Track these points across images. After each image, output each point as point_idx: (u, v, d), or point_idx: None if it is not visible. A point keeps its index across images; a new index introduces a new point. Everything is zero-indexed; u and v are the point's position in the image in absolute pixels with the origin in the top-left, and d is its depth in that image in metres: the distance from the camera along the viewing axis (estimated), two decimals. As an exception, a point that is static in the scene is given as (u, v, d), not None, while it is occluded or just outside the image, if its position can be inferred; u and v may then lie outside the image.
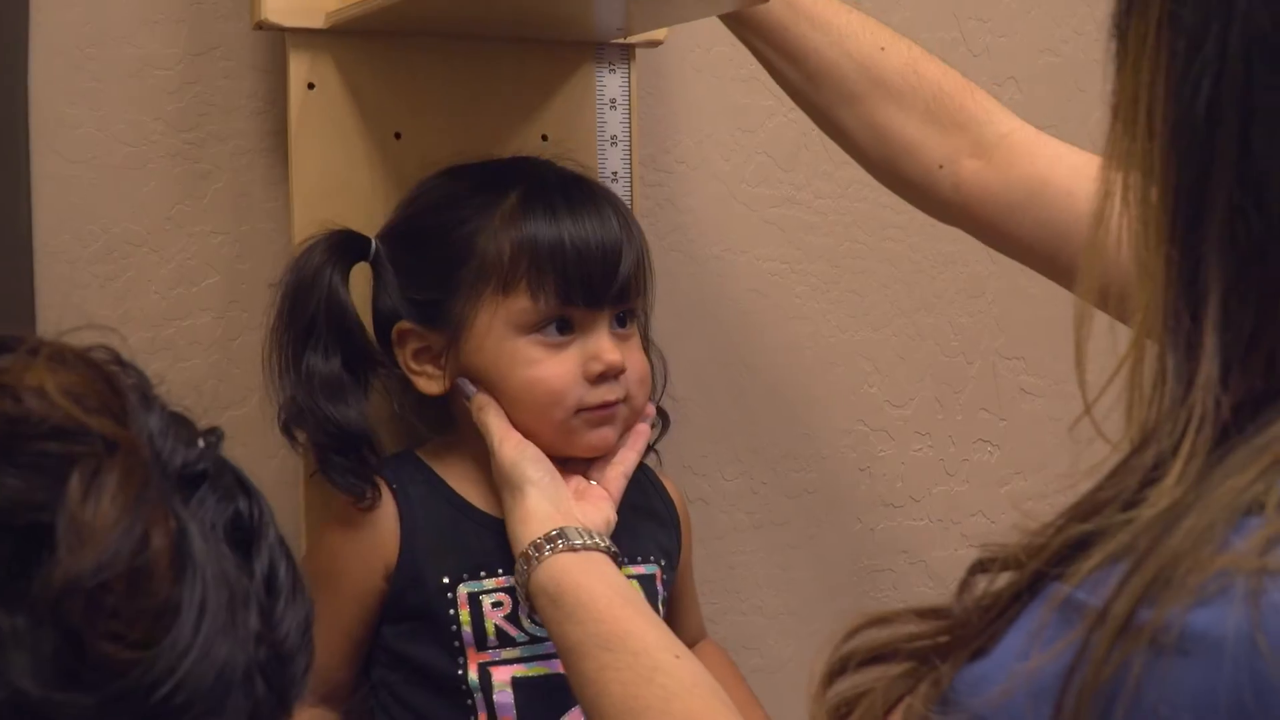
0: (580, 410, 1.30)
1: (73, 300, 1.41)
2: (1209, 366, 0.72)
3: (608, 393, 1.30)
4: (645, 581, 1.35)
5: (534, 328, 1.29)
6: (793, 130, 1.66)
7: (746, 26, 1.35)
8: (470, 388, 1.32)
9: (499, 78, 1.44)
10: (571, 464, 1.32)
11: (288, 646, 0.73)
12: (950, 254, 1.78)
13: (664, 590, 1.37)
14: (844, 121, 1.35)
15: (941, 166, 1.31)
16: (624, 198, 1.49)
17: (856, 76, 1.32)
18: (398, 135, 1.41)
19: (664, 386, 1.47)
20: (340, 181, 1.38)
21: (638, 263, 1.33)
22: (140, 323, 1.43)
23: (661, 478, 1.46)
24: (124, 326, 1.42)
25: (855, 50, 1.32)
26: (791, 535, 1.73)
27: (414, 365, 1.34)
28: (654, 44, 1.50)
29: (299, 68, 1.37)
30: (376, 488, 1.32)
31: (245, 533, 0.73)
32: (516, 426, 1.30)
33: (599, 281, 1.29)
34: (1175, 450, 0.71)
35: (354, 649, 1.34)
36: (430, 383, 1.33)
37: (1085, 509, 0.74)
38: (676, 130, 1.54)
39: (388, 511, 1.32)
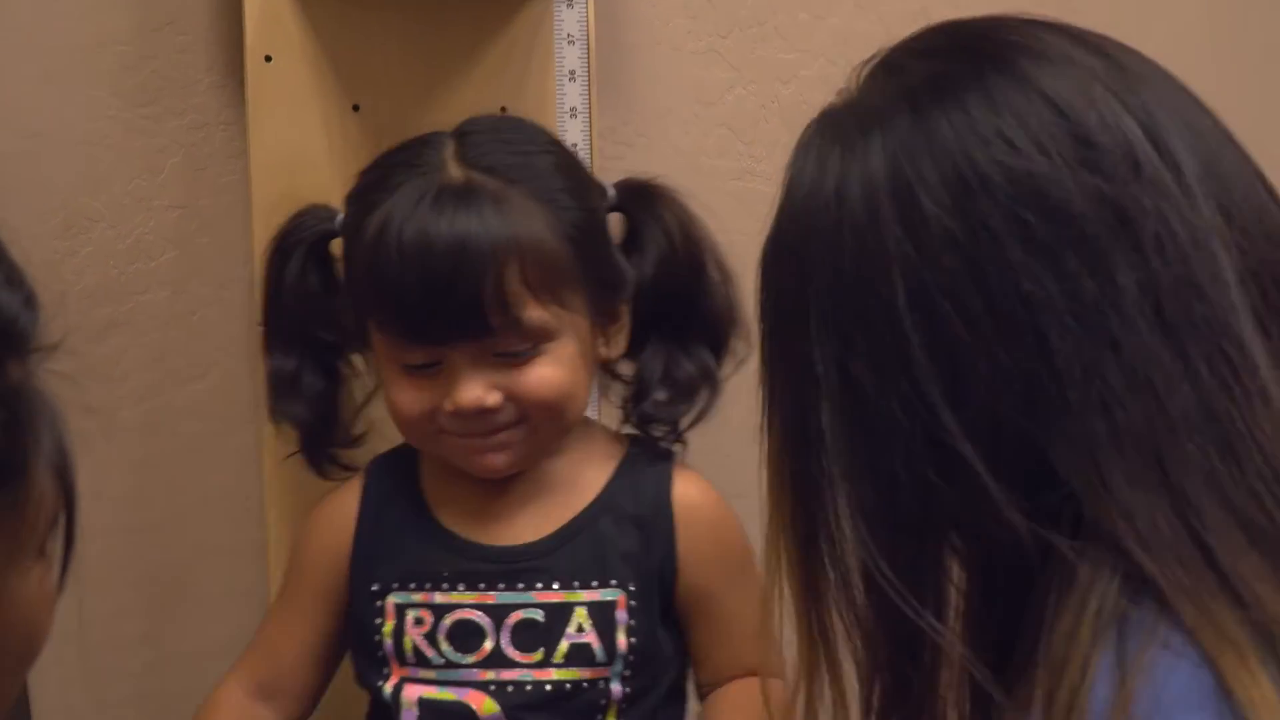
0: (444, 432, 1.24)
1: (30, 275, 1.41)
2: None
3: (475, 426, 1.23)
4: (598, 610, 1.25)
5: (395, 353, 1.24)
6: (752, 102, 1.66)
7: None
8: None
9: (457, 49, 1.44)
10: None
11: None
12: (912, 226, 1.78)
13: (631, 618, 1.25)
14: None
15: None
16: (584, 170, 1.49)
17: None
18: (356, 107, 1.41)
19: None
20: (298, 155, 1.39)
21: (502, 292, 1.19)
22: (100, 298, 1.44)
23: (677, 480, 1.30)
24: (83, 302, 1.42)
25: None
26: (753, 507, 1.72)
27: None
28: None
29: (256, 39, 1.36)
30: (347, 470, 1.32)
31: None
32: None
33: (441, 322, 1.20)
34: None
35: (317, 642, 1.30)
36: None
37: None
38: (636, 103, 1.54)
39: (350, 507, 1.30)
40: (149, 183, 1.44)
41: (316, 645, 1.31)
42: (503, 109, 1.44)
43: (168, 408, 1.48)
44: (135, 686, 1.54)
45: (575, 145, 1.48)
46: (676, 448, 1.33)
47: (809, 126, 0.85)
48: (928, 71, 0.81)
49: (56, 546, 0.77)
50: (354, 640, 1.29)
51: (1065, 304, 0.74)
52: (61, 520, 0.76)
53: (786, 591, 0.85)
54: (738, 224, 1.68)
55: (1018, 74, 0.78)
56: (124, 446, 1.47)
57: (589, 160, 1.50)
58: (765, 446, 0.85)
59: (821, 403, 0.80)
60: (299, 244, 1.29)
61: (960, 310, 0.76)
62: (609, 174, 1.59)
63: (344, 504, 1.31)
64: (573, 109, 1.48)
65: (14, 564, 0.73)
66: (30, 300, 0.74)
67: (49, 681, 1.49)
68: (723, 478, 1.30)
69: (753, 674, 1.31)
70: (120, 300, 1.44)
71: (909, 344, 0.77)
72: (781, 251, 0.84)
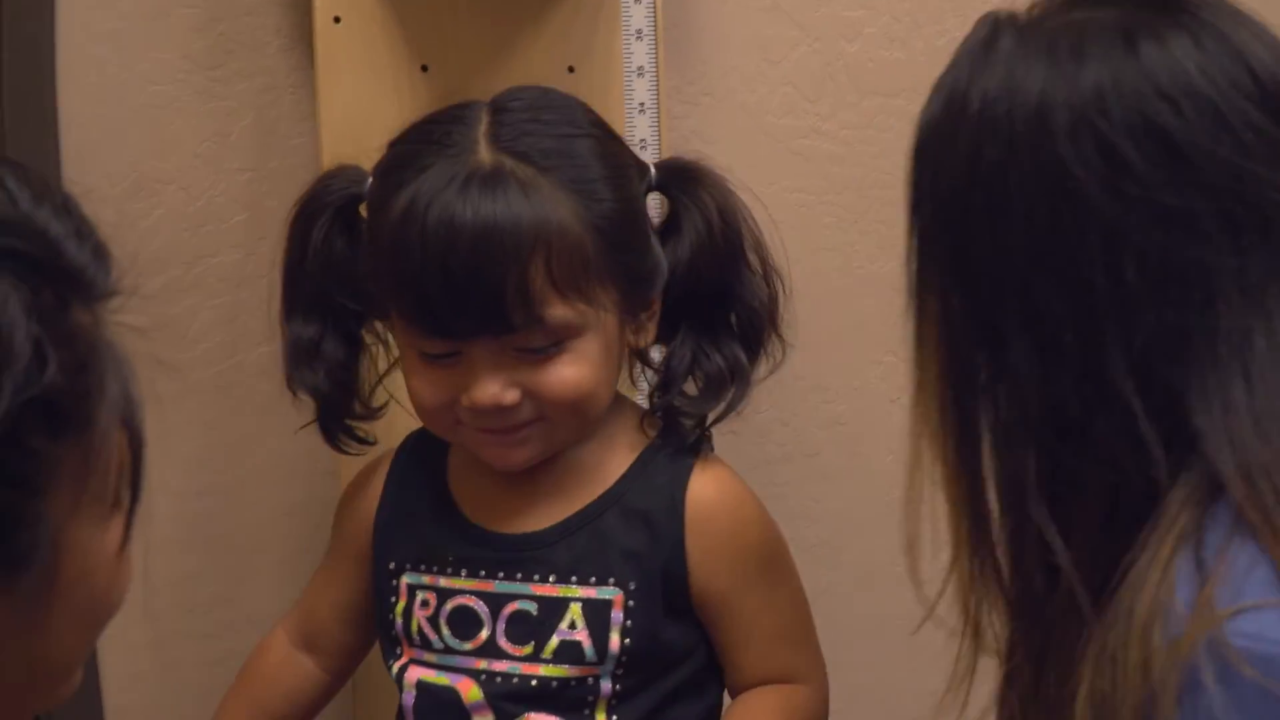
0: (462, 424, 1.20)
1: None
2: None
3: (493, 422, 1.19)
4: (593, 608, 1.21)
5: (413, 340, 1.20)
6: (817, 61, 1.65)
7: None
8: None
9: (525, 9, 1.43)
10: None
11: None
12: (977, 184, 1.77)
13: (627, 619, 1.21)
14: None
15: None
16: (652, 130, 1.49)
17: None
18: (424, 68, 1.41)
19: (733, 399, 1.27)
20: (367, 116, 1.39)
21: (526, 289, 1.14)
22: (171, 260, 1.44)
23: (695, 475, 1.25)
24: (154, 264, 1.43)
25: None
26: (824, 466, 1.72)
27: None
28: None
29: (324, 0, 1.37)
30: (361, 441, 1.30)
31: None
32: None
33: (460, 317, 1.15)
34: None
35: (349, 605, 1.31)
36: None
37: None
38: (702, 62, 1.54)
39: (378, 481, 1.30)
40: (219, 145, 1.45)
41: (349, 608, 1.31)
42: (570, 69, 1.44)
43: (240, 369, 1.49)
44: (206, 649, 1.55)
45: (643, 104, 1.48)
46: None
47: (987, 28, 0.86)
48: (1135, 17, 0.83)
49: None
50: (377, 617, 1.28)
51: (1237, 278, 0.80)
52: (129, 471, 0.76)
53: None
54: (802, 183, 1.68)
55: (1226, 40, 0.82)
56: (196, 408, 1.48)
57: (657, 120, 1.49)
58: (914, 328, 0.91)
59: (999, 306, 0.84)
60: (326, 207, 1.24)
61: (1140, 261, 0.80)
62: (675, 134, 1.59)
63: (374, 477, 1.30)
64: (640, 68, 1.47)
65: (81, 511, 0.73)
66: (99, 251, 0.75)
67: (116, 647, 1.51)
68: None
69: (777, 681, 1.27)
70: (192, 263, 1.45)
71: (1095, 273, 0.81)
72: (954, 145, 0.85)
